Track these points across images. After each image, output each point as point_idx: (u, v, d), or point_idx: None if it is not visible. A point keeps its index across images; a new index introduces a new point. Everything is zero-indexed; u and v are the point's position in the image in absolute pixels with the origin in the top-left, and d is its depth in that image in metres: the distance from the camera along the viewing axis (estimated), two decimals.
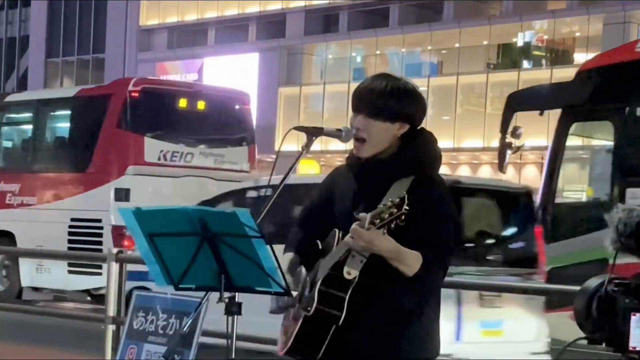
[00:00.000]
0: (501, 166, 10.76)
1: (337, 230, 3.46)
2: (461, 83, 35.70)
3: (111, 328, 7.56)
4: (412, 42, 38.09)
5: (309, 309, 3.38)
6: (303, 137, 3.66)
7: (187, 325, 4.10)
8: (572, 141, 10.80)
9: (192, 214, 3.61)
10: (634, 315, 2.91)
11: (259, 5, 42.07)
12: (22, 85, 45.82)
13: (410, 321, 3.45)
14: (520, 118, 10.78)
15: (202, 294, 3.88)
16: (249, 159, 16.96)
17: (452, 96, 35.39)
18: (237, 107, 17.36)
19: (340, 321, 3.36)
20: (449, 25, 36.71)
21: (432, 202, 3.41)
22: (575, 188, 9.80)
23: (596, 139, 10.74)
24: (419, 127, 3.57)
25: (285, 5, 41.39)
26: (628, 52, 10.35)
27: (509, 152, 10.59)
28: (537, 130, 11.66)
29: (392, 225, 3.21)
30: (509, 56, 37.98)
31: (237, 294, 3.74)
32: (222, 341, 3.89)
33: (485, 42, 36.76)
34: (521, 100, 11.09)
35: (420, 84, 34.59)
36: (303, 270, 3.57)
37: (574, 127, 10.47)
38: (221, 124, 16.94)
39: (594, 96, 9.84)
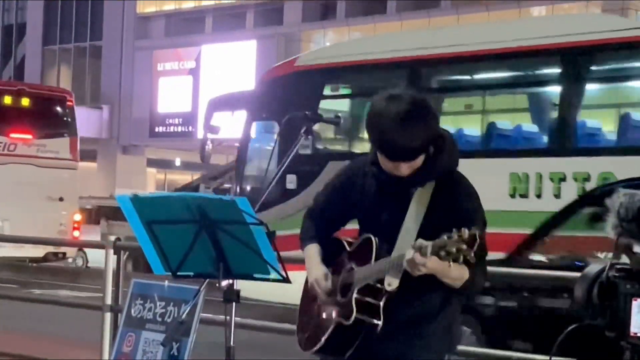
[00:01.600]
0: (202, 157, 13.26)
1: (373, 239, 3.44)
2: None
3: (109, 316, 7.54)
4: (409, 29, 38.00)
5: (347, 317, 3.39)
6: None
7: (185, 313, 4.08)
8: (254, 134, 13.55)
9: (190, 201, 3.59)
10: (635, 300, 2.90)
11: None
12: (19, 73, 45.70)
13: (437, 315, 3.48)
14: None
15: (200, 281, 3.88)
16: (70, 149, 20.30)
17: None
18: (59, 103, 20.64)
19: (379, 329, 3.37)
20: (447, 12, 36.65)
21: (463, 204, 3.41)
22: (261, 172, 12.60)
23: (271, 134, 13.13)
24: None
25: None
26: (288, 67, 13.22)
27: (209, 145, 13.11)
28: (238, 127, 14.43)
29: (460, 261, 3.15)
30: None
31: (235, 281, 3.73)
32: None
33: None
34: (218, 104, 13.84)
35: None
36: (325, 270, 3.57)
37: (254, 125, 13.17)
38: (43, 118, 20.18)
39: (265, 101, 12.71)
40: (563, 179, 9.41)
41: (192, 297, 4.14)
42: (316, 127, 13.22)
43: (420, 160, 3.39)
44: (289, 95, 12.34)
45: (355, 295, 3.39)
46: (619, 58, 10.40)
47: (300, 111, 12.32)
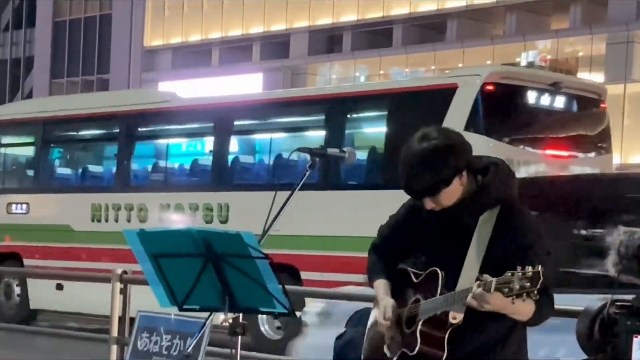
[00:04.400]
0: None
1: (440, 272, 3.47)
2: None
3: (115, 349, 7.55)
4: (415, 62, 38.13)
5: (412, 349, 3.44)
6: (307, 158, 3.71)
7: (191, 346, 4.10)
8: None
9: (196, 235, 3.63)
10: (636, 337, 2.91)
11: (263, 25, 42.17)
12: None
13: (504, 343, 3.50)
14: None
15: (206, 314, 3.90)
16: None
17: None
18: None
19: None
20: (453, 45, 36.78)
21: (525, 236, 3.43)
22: None
23: None
24: (488, 160, 3.57)
25: (289, 25, 41.48)
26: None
27: None
28: None
29: (523, 299, 3.19)
30: None
31: (241, 314, 3.75)
32: None
33: (488, 62, 36.78)
34: None
35: None
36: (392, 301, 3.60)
37: None
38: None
39: None
40: (119, 208, 13.80)
41: (198, 330, 4.17)
42: None
43: (450, 192, 3.45)
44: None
45: (420, 327, 3.44)
46: (154, 122, 14.59)
47: None
